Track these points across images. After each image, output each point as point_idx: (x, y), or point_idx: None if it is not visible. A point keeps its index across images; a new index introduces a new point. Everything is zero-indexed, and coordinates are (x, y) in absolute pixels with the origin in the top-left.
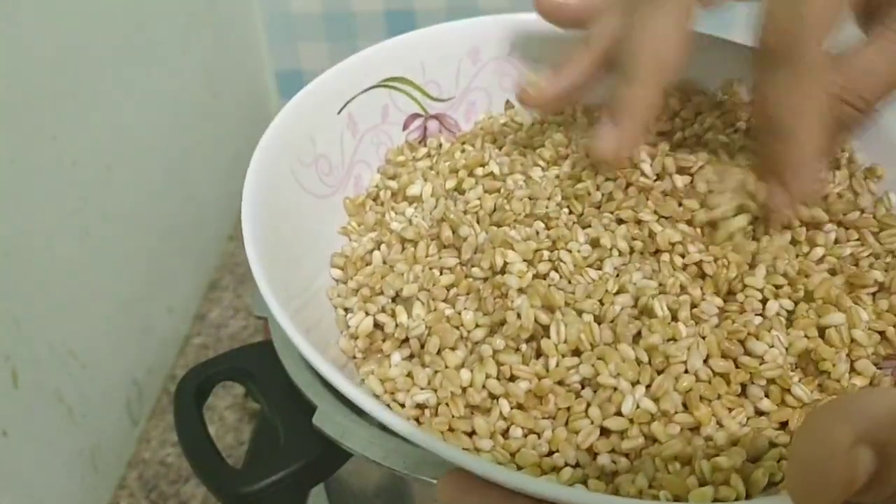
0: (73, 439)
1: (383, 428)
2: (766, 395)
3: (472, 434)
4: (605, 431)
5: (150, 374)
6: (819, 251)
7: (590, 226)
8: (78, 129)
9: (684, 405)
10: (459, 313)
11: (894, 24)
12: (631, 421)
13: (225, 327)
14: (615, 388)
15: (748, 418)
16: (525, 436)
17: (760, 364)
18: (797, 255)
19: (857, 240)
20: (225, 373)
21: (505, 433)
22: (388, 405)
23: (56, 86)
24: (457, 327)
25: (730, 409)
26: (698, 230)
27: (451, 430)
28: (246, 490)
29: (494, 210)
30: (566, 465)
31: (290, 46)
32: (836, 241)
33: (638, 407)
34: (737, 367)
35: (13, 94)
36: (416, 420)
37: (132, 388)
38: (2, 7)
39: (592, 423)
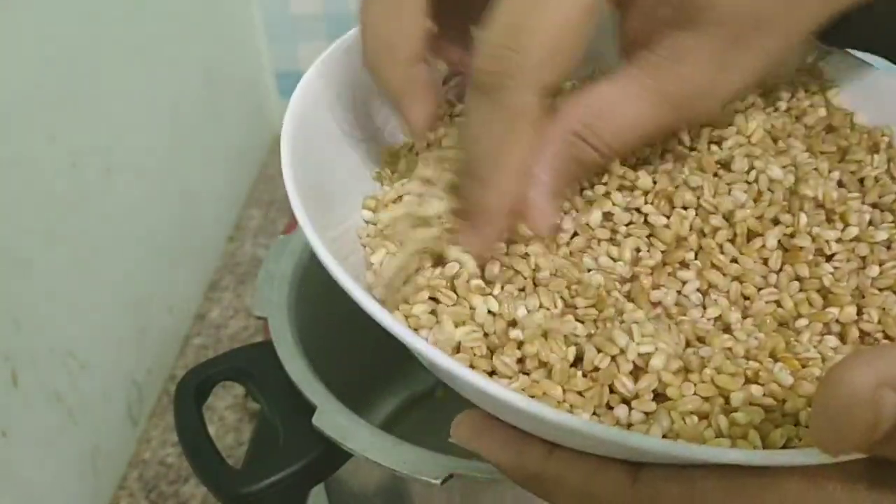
0: (73, 439)
1: (383, 428)
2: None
3: (491, 374)
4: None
5: (150, 375)
6: (853, 230)
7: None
8: (78, 129)
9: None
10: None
11: (662, 52)
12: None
13: (225, 327)
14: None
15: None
16: (540, 366)
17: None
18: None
19: (893, 222)
20: (225, 373)
21: (523, 369)
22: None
23: (56, 86)
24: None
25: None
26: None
27: (471, 367)
28: (246, 490)
29: None
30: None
31: (289, 46)
32: (871, 223)
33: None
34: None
35: (13, 94)
36: None
37: (132, 388)
38: (2, 7)
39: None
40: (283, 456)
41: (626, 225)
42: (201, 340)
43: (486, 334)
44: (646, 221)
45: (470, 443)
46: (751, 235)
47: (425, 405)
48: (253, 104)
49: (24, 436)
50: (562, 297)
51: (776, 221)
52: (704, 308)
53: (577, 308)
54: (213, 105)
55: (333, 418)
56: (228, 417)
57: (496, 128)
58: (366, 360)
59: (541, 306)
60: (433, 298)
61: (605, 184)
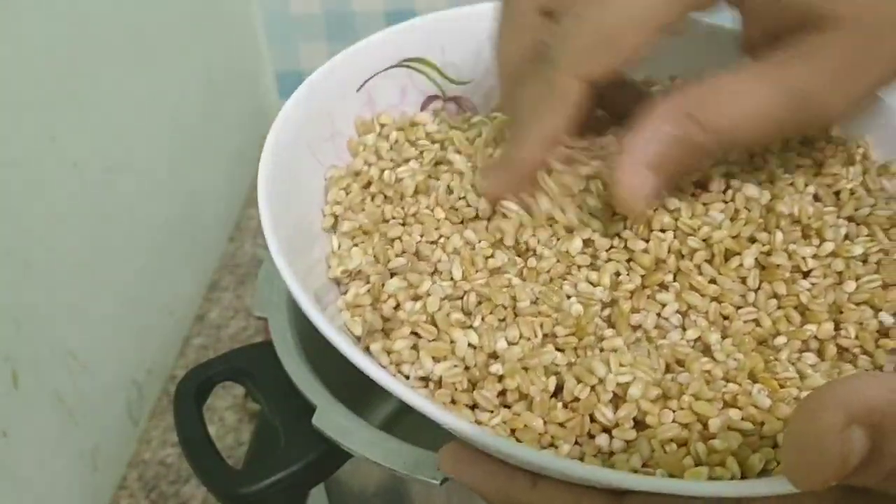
0: (73, 439)
1: (383, 428)
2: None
3: (473, 408)
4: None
5: (150, 375)
6: (829, 246)
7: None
8: (78, 129)
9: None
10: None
11: (789, 51)
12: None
13: (225, 328)
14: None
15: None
16: (521, 398)
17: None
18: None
19: (868, 236)
20: (225, 373)
21: (504, 402)
22: (394, 376)
23: (56, 86)
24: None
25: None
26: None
27: (453, 402)
28: (246, 490)
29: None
30: (564, 443)
31: (289, 46)
32: (847, 238)
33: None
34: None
35: (13, 94)
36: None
37: (132, 388)
38: (2, 7)
39: (599, 399)
40: (283, 456)
41: (607, 250)
42: (201, 341)
43: (466, 367)
44: (625, 246)
45: (456, 474)
46: (728, 255)
47: None
48: (253, 104)
49: (24, 436)
50: (541, 327)
51: (753, 240)
52: (684, 329)
53: (556, 337)
54: (214, 105)
55: (333, 418)
56: (228, 418)
57: (536, 98)
58: None
59: (521, 337)
60: (414, 333)
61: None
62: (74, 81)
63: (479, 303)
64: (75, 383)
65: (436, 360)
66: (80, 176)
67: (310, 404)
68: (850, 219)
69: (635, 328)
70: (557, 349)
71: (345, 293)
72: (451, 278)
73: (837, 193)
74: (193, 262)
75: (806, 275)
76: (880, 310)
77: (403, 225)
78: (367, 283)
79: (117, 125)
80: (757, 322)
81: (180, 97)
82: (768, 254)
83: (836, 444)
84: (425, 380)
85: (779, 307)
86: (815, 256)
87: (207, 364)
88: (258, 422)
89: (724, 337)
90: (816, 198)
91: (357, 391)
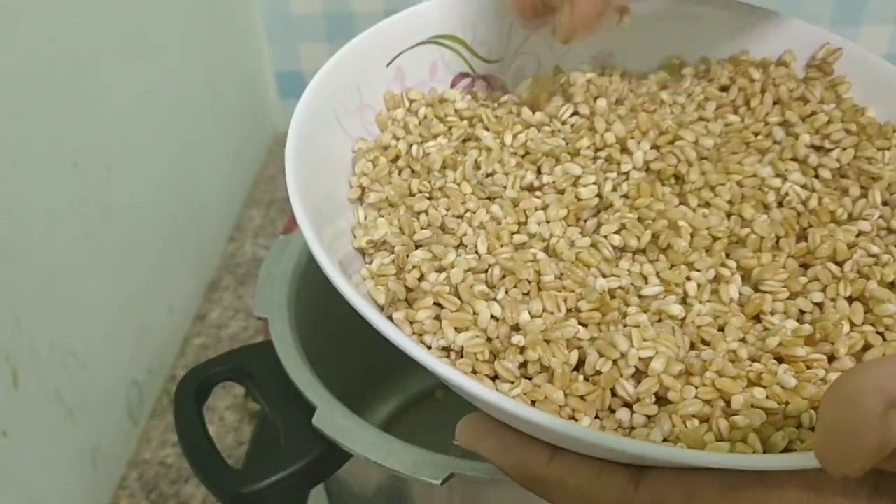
0: (73, 439)
1: (383, 428)
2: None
3: (494, 379)
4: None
5: (150, 375)
6: (866, 225)
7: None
8: (78, 129)
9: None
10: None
11: None
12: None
13: (225, 328)
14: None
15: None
16: (543, 371)
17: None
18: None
19: None
20: (225, 373)
21: (526, 374)
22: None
23: (56, 86)
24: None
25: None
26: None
27: (474, 372)
28: (246, 490)
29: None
30: (585, 416)
31: (290, 47)
32: (881, 218)
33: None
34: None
35: (13, 94)
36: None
37: (132, 388)
38: (2, 7)
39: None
40: (283, 456)
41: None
42: (201, 340)
43: (488, 339)
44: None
45: (474, 446)
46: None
47: (425, 405)
48: (253, 104)
49: (24, 435)
50: (565, 301)
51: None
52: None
53: (580, 312)
54: (214, 105)
55: (333, 418)
56: (228, 417)
57: None
58: (366, 361)
59: (544, 310)
60: (437, 304)
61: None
62: (75, 81)
63: (504, 276)
64: (75, 383)
65: (458, 330)
66: (80, 175)
67: (310, 404)
68: (885, 202)
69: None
70: (580, 324)
71: (370, 263)
72: (476, 252)
73: (873, 178)
74: (193, 262)
75: (840, 263)
76: None
77: (430, 199)
78: (392, 253)
79: (117, 125)
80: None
81: (180, 97)
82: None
83: (875, 431)
84: (447, 350)
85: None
86: (850, 244)
87: (207, 364)
88: (258, 422)
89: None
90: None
91: (357, 391)
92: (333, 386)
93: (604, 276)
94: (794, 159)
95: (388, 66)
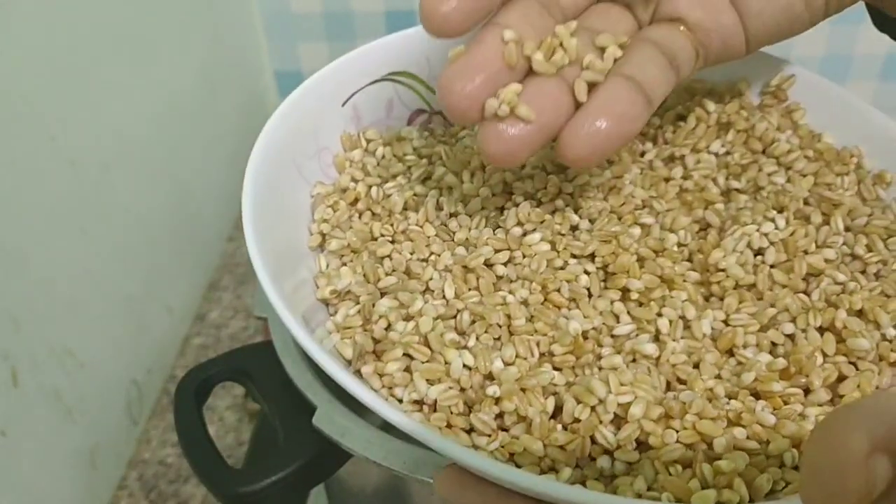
0: (72, 439)
1: (383, 428)
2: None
3: (470, 431)
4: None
5: (150, 374)
6: (831, 253)
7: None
8: (77, 129)
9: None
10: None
11: None
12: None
13: (225, 328)
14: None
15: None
16: (520, 420)
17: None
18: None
19: (866, 245)
20: (225, 373)
21: (502, 425)
22: (386, 400)
23: (56, 86)
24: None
25: (736, 423)
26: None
27: (449, 426)
28: (246, 490)
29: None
30: (565, 466)
31: (289, 46)
32: (845, 244)
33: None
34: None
35: (13, 94)
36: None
37: (132, 388)
38: (1, 7)
39: (601, 420)
40: (283, 456)
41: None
42: (201, 340)
43: (462, 389)
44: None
45: (454, 499)
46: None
47: None
48: (252, 104)
49: (24, 435)
50: (538, 345)
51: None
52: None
53: (553, 355)
54: (213, 104)
55: (333, 418)
56: (228, 417)
57: None
58: None
59: (517, 356)
60: (406, 355)
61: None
62: (73, 81)
63: (473, 321)
64: (74, 383)
65: (430, 382)
66: (78, 175)
67: (310, 404)
68: (847, 229)
69: (629, 353)
70: (555, 368)
71: (334, 314)
72: (444, 297)
73: (835, 205)
74: (193, 262)
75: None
76: (878, 322)
77: (393, 242)
78: (357, 303)
79: (116, 124)
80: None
81: (180, 96)
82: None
83: (860, 474)
84: (419, 403)
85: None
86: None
87: (207, 364)
88: (258, 422)
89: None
90: (806, 202)
91: None
92: (333, 386)
93: (576, 317)
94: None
95: (343, 105)
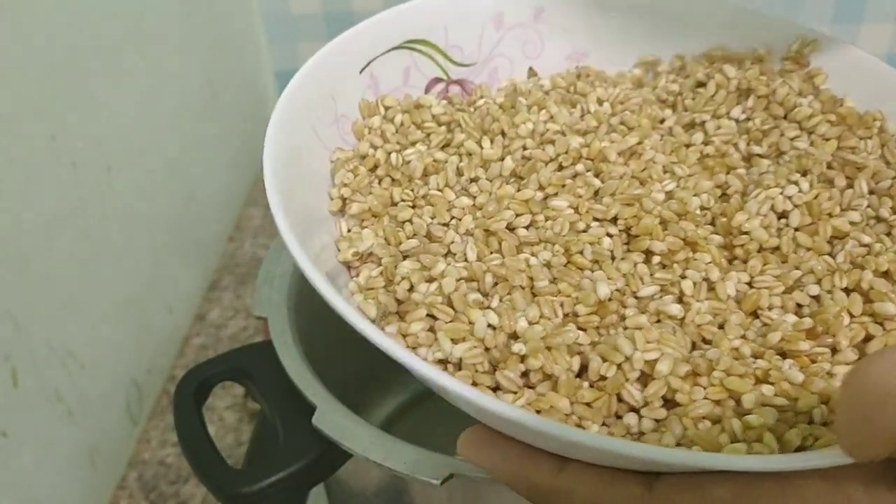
0: (72, 439)
1: (383, 428)
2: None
3: (495, 389)
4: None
5: (150, 375)
6: (856, 215)
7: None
8: (77, 129)
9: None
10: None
11: None
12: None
13: (225, 328)
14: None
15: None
16: (545, 379)
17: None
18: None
19: (891, 207)
20: (225, 373)
21: (528, 383)
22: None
23: (56, 86)
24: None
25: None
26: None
27: (474, 384)
28: (246, 490)
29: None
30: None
31: (289, 46)
32: (869, 207)
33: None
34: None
35: (13, 94)
36: None
37: (132, 388)
38: (1, 7)
39: (627, 378)
40: (283, 456)
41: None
42: (201, 340)
43: (486, 349)
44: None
45: (476, 459)
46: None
47: (425, 405)
48: (252, 104)
49: (24, 435)
50: (562, 306)
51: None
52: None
53: (578, 316)
54: (213, 105)
55: (333, 418)
56: (228, 417)
57: None
58: (366, 360)
59: (541, 316)
60: (430, 315)
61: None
62: (74, 81)
63: (496, 283)
64: (75, 383)
65: (454, 341)
66: (79, 175)
67: (310, 404)
68: (871, 192)
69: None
70: (579, 328)
71: (356, 276)
72: (466, 259)
73: (859, 168)
74: (193, 262)
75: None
76: None
77: (413, 207)
78: (379, 265)
79: (117, 125)
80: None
81: (180, 97)
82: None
83: None
84: (443, 362)
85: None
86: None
87: (207, 364)
88: (258, 422)
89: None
90: (830, 167)
91: (357, 391)
92: (333, 386)
93: (600, 279)
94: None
95: (360, 73)
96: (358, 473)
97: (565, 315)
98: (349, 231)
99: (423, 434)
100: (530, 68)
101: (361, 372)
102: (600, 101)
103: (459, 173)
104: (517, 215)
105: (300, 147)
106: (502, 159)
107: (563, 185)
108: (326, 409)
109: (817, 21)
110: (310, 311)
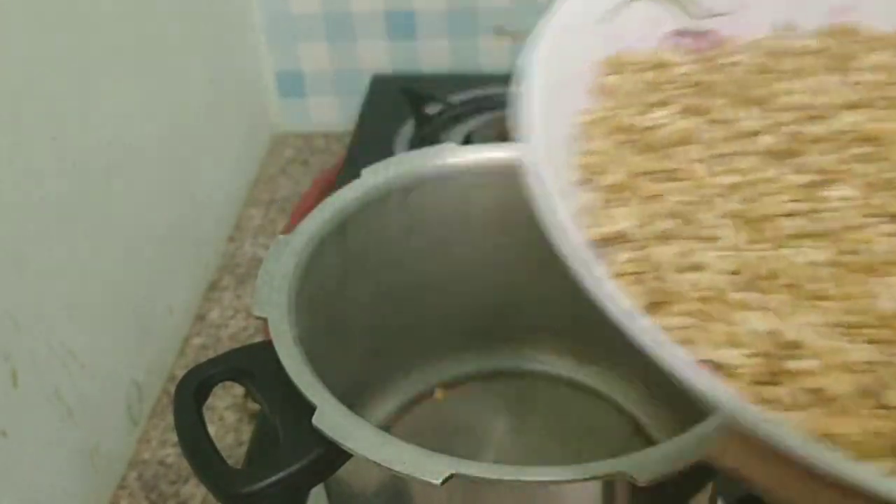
0: (72, 439)
1: (383, 428)
2: None
3: (763, 402)
4: None
5: (150, 375)
6: None
7: None
8: (78, 129)
9: None
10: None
11: None
12: None
13: (225, 328)
14: None
15: None
16: (827, 399)
17: None
18: None
19: None
20: (225, 373)
21: (805, 400)
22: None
23: (56, 86)
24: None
25: None
26: None
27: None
28: (246, 490)
29: None
30: None
31: (289, 46)
32: None
33: None
34: None
35: (13, 94)
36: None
37: (132, 388)
38: (3, 8)
39: None
40: (283, 456)
41: None
42: (201, 340)
43: (758, 356)
44: None
45: (738, 468)
46: None
47: (425, 405)
48: (253, 104)
49: (24, 435)
50: (848, 315)
51: None
52: None
53: (866, 328)
54: (213, 105)
55: (333, 418)
56: (228, 417)
57: None
58: (366, 361)
59: (824, 324)
60: (692, 310)
61: None
62: (75, 81)
63: (770, 279)
64: (75, 383)
65: (718, 344)
66: (79, 175)
67: (310, 404)
68: None
69: None
70: (870, 342)
71: (608, 258)
72: (728, 248)
73: None
74: (193, 262)
75: None
76: None
77: (663, 182)
78: (633, 248)
79: (117, 125)
80: None
81: (180, 97)
82: None
83: None
84: (705, 363)
85: None
86: None
87: (207, 364)
88: (258, 422)
89: None
90: None
91: (357, 391)
92: (333, 386)
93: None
94: None
95: (602, 25)
96: (358, 473)
97: (850, 325)
98: (596, 205)
99: (423, 434)
100: (789, 23)
101: (361, 372)
102: (876, 68)
103: (711, 146)
104: (790, 201)
105: (549, 109)
106: (758, 133)
107: (842, 171)
108: (326, 409)
109: None
110: (310, 311)
